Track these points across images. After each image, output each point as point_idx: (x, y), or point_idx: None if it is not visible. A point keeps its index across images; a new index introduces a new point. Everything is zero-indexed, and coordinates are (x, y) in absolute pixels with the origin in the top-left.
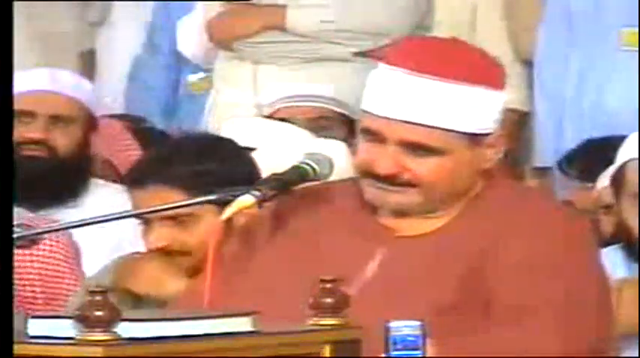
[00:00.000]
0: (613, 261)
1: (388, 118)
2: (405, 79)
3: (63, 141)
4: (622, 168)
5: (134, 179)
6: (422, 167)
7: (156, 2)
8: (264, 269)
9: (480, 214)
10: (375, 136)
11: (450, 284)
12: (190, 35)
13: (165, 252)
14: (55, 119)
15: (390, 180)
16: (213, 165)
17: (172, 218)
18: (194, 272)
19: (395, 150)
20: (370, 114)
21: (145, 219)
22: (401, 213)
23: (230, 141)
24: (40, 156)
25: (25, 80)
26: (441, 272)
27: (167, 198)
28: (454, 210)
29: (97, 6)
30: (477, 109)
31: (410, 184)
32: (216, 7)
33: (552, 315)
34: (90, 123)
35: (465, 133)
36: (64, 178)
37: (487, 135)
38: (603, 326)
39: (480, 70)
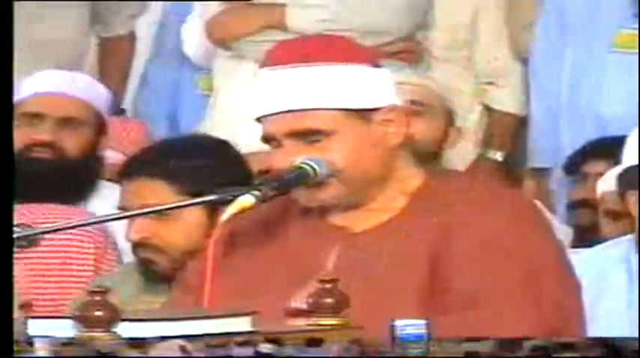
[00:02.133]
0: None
1: (271, 115)
2: (274, 74)
3: (71, 143)
4: (631, 170)
5: (123, 172)
6: (321, 154)
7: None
8: (243, 274)
9: (428, 204)
10: (272, 139)
11: (409, 271)
12: (192, 36)
13: (142, 247)
14: (64, 121)
15: None
16: (199, 162)
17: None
18: (165, 277)
19: (290, 144)
20: (260, 120)
21: (127, 212)
22: (338, 208)
23: (222, 141)
24: (48, 158)
25: (37, 82)
26: (398, 261)
27: (152, 190)
28: (395, 201)
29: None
30: (355, 86)
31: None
32: (216, 7)
33: (507, 300)
34: (100, 126)
35: (347, 110)
36: (72, 180)
37: (375, 110)
38: (564, 308)
39: (345, 50)
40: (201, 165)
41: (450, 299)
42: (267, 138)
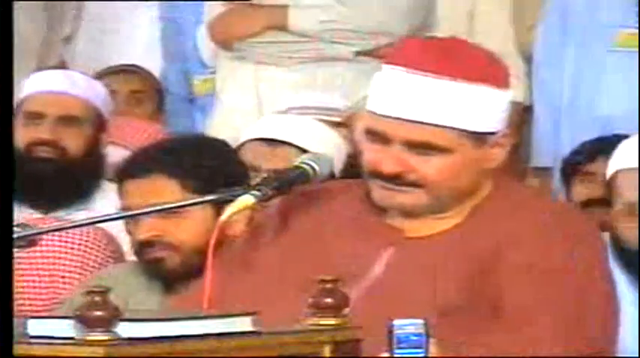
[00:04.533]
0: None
1: (392, 118)
2: (408, 78)
3: (72, 142)
4: (613, 178)
5: (126, 171)
6: (427, 167)
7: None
8: (266, 271)
9: (487, 216)
10: (380, 137)
11: (457, 286)
12: (203, 39)
13: (151, 245)
14: (65, 119)
15: (396, 180)
16: (207, 161)
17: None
18: (175, 276)
19: (399, 150)
20: (374, 114)
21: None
22: (408, 214)
23: (222, 142)
24: (49, 157)
25: (36, 81)
26: (448, 273)
27: (162, 187)
28: (462, 211)
29: (68, 21)
30: (481, 108)
31: (416, 185)
32: (219, 8)
33: (558, 318)
34: (101, 124)
35: (469, 132)
36: (73, 179)
37: (492, 134)
38: (609, 329)
39: (483, 68)
40: (209, 163)
41: (492, 314)
42: (377, 135)
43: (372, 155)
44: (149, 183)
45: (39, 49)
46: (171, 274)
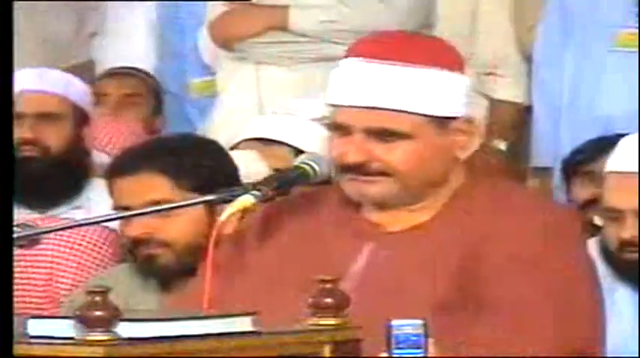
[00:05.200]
0: None
1: (351, 107)
2: (363, 67)
3: (53, 138)
4: (605, 178)
5: (114, 169)
6: (391, 155)
7: (164, 5)
8: (254, 271)
9: (465, 208)
10: (342, 128)
11: (440, 278)
12: (203, 39)
13: (143, 243)
14: (43, 117)
15: (362, 170)
16: (198, 159)
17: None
18: (170, 273)
19: (361, 139)
20: (333, 107)
21: (125, 209)
22: (382, 206)
23: (213, 141)
24: (33, 156)
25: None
26: (430, 266)
27: (151, 184)
28: (437, 202)
29: (94, 16)
30: (437, 91)
31: (382, 173)
32: (220, 8)
33: (542, 311)
34: (81, 119)
35: (428, 116)
36: (59, 175)
37: (453, 119)
38: (593, 321)
39: (437, 53)
40: (199, 161)
41: (478, 309)
42: (338, 127)
43: (336, 148)
44: (138, 180)
45: (65, 47)
46: (165, 271)
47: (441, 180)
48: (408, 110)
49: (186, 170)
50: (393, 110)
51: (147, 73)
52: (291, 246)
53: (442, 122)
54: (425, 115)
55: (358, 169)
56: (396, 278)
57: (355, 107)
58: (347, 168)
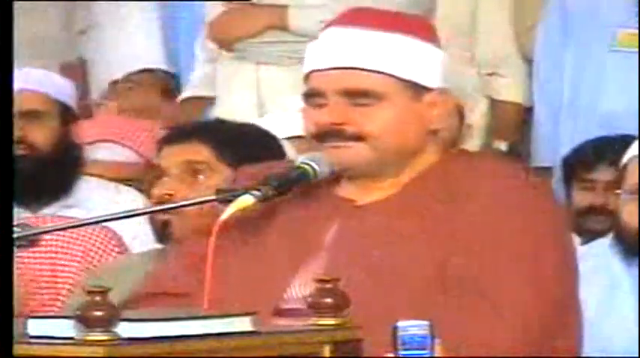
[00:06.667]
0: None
1: (325, 70)
2: (338, 32)
3: (38, 135)
4: (626, 165)
5: (166, 138)
6: (366, 118)
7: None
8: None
9: (436, 180)
10: (316, 94)
11: (407, 250)
12: (203, 39)
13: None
14: (27, 115)
15: (336, 135)
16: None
17: (187, 172)
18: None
19: (336, 102)
20: (307, 75)
21: (158, 174)
22: (355, 176)
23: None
24: (21, 154)
25: None
26: (397, 238)
27: (196, 150)
28: (410, 173)
29: (82, 14)
30: (413, 58)
31: (357, 138)
32: (219, 8)
33: (514, 282)
34: (66, 116)
35: (403, 80)
36: (47, 173)
37: (428, 89)
38: (567, 290)
39: (413, 23)
40: (249, 141)
41: (450, 285)
42: (312, 94)
43: (311, 116)
44: (182, 147)
45: (53, 45)
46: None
47: (415, 150)
48: (382, 70)
49: (233, 146)
50: (367, 70)
51: (166, 72)
52: (280, 231)
53: (417, 90)
54: (399, 79)
55: (333, 133)
56: (362, 252)
57: (329, 69)
58: (323, 135)
